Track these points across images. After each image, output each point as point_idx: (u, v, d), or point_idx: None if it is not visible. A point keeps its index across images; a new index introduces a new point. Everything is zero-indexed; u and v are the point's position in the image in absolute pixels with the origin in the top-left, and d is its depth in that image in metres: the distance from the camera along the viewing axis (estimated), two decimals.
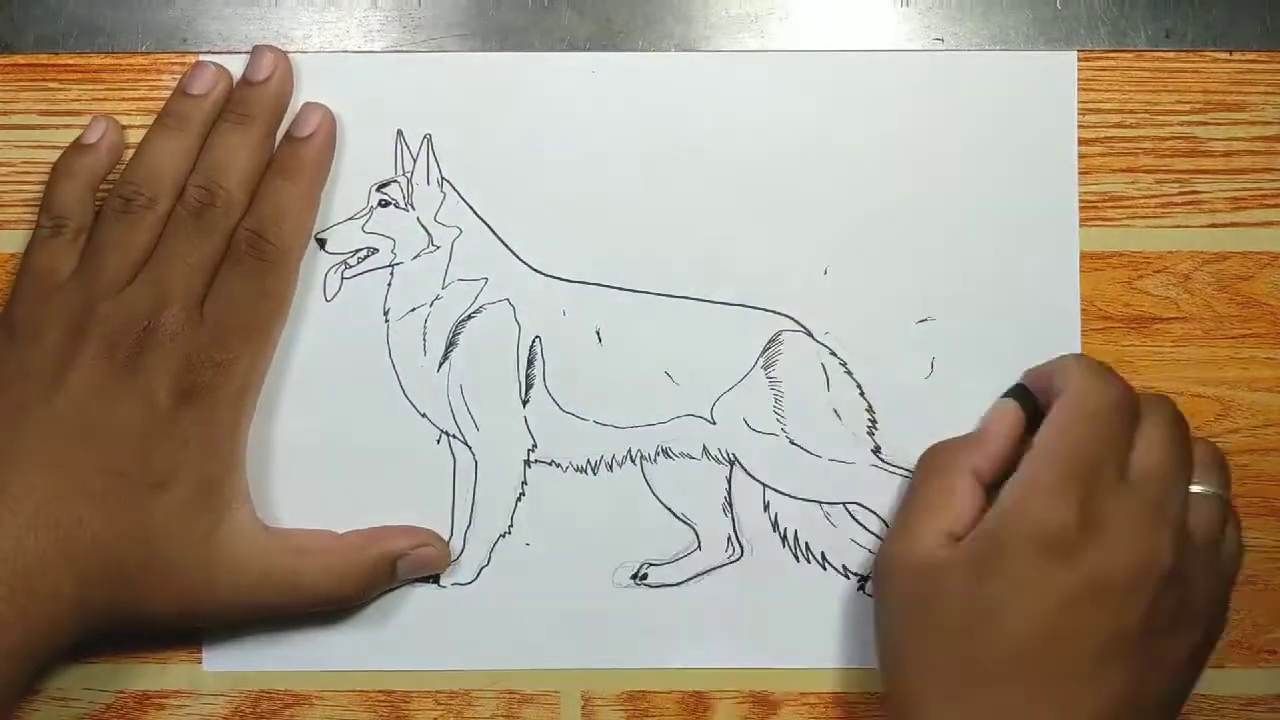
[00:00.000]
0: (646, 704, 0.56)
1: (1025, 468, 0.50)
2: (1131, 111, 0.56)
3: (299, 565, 0.53)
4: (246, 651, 0.55)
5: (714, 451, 0.56)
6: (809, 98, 0.56)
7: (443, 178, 0.56)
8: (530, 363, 0.56)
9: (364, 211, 0.56)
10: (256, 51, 0.55)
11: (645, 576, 0.56)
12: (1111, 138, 0.56)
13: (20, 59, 0.56)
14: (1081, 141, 0.56)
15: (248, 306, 0.53)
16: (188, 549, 0.52)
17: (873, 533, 0.55)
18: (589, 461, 0.56)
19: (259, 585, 0.53)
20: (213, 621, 0.55)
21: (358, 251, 0.56)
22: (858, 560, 0.55)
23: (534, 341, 0.56)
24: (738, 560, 0.56)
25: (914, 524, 0.51)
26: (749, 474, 0.55)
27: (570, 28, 0.56)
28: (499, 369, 0.56)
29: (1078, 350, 0.55)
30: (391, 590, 0.55)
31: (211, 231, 0.53)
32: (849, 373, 0.55)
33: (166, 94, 0.55)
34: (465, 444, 0.56)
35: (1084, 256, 0.56)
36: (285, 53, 0.55)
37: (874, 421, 0.55)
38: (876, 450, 0.55)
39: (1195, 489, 0.51)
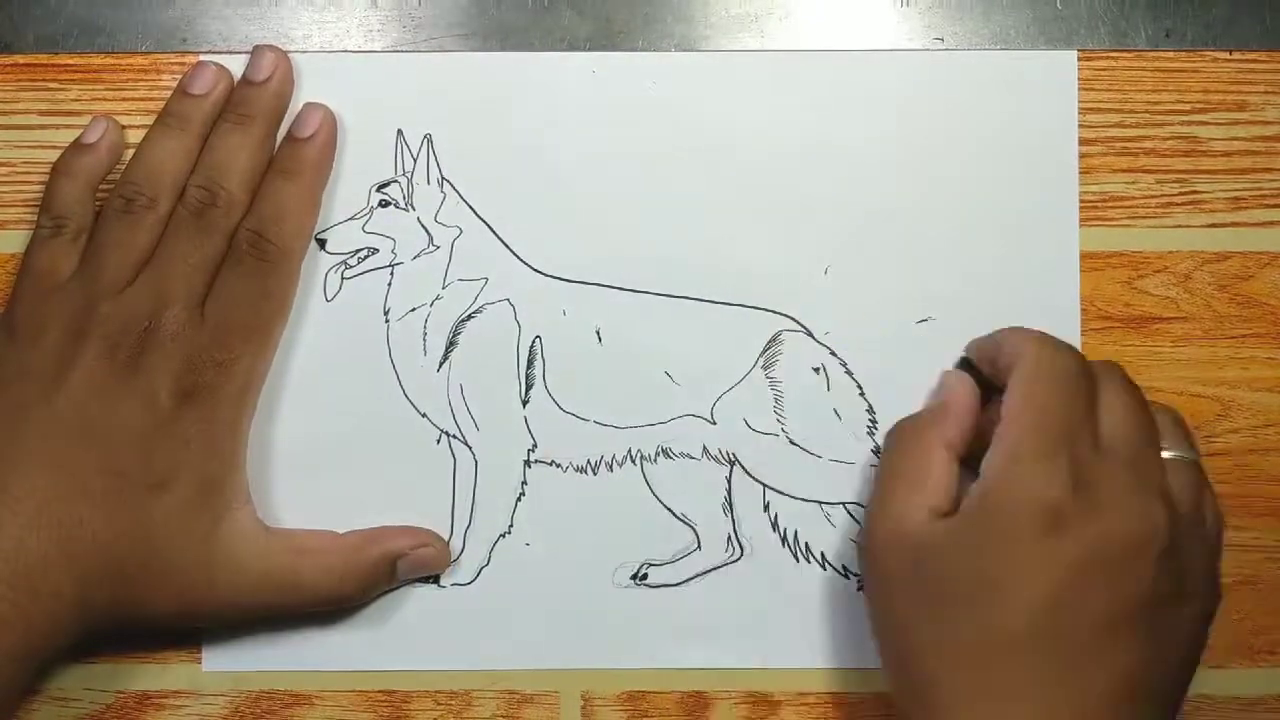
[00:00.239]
0: (646, 704, 0.56)
1: (1003, 439, 0.49)
2: (1131, 111, 0.56)
3: (299, 565, 0.53)
4: (246, 651, 0.55)
5: (714, 452, 0.56)
6: (809, 98, 0.56)
7: (443, 177, 0.56)
8: (530, 363, 0.56)
9: (364, 211, 0.56)
10: (257, 51, 0.55)
11: (645, 576, 0.56)
12: (1111, 138, 0.56)
13: (20, 59, 0.56)
14: (1081, 141, 0.56)
15: (249, 307, 0.53)
16: (188, 549, 0.52)
17: None
18: (589, 461, 0.56)
19: (259, 585, 0.53)
20: (213, 621, 0.55)
21: (358, 251, 0.56)
22: (858, 561, 0.55)
23: (534, 341, 0.56)
24: (738, 560, 0.56)
25: (896, 502, 0.50)
26: (749, 474, 0.55)
27: (570, 28, 0.56)
28: (499, 369, 0.56)
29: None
30: (391, 590, 0.55)
31: (212, 231, 0.53)
32: (849, 373, 0.55)
33: (166, 94, 0.55)
34: (465, 444, 0.56)
35: (1084, 256, 0.56)
36: (286, 53, 0.55)
37: (874, 421, 0.55)
38: (877, 450, 0.55)
39: (1167, 455, 0.50)
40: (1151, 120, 0.56)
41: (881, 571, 0.51)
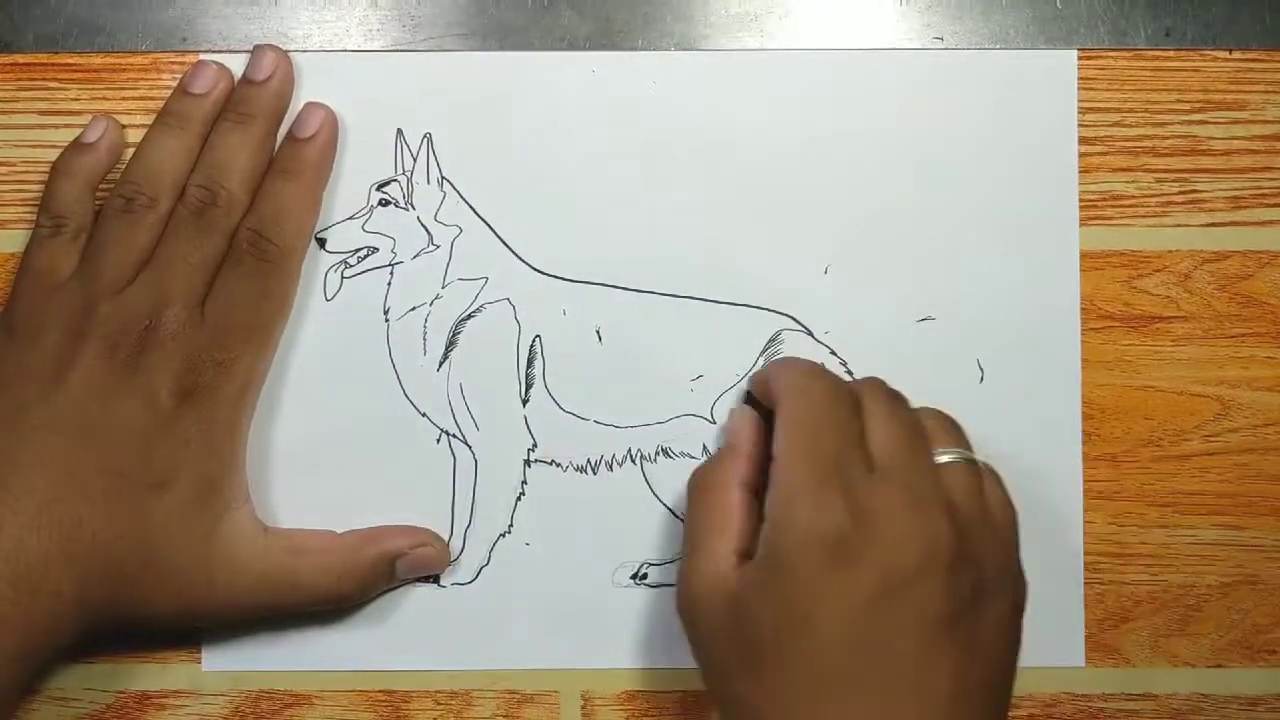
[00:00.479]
0: (646, 704, 0.56)
1: (777, 479, 0.48)
2: (1131, 111, 0.56)
3: (298, 565, 0.53)
4: (246, 651, 0.55)
5: (714, 451, 0.56)
6: (809, 97, 0.56)
7: (443, 177, 0.56)
8: (530, 362, 0.56)
9: (364, 211, 0.56)
10: (257, 51, 0.55)
11: (645, 576, 0.56)
12: (1111, 137, 0.56)
13: (20, 59, 0.56)
14: (1081, 141, 0.56)
15: (249, 306, 0.53)
16: (187, 549, 0.52)
17: None
18: (589, 461, 0.56)
19: (258, 585, 0.53)
20: (212, 621, 0.55)
21: (358, 251, 0.56)
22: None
23: (534, 341, 0.56)
24: None
25: (703, 552, 0.49)
26: None
27: (570, 27, 0.56)
28: (499, 368, 0.56)
29: (1077, 351, 0.55)
30: (391, 590, 0.55)
31: (213, 231, 0.53)
32: (849, 372, 0.55)
33: (166, 94, 0.55)
34: (465, 444, 0.56)
35: (1084, 256, 0.56)
36: (286, 52, 0.55)
37: None
38: None
39: (942, 459, 0.49)
40: (1151, 120, 0.56)
41: (698, 624, 0.49)
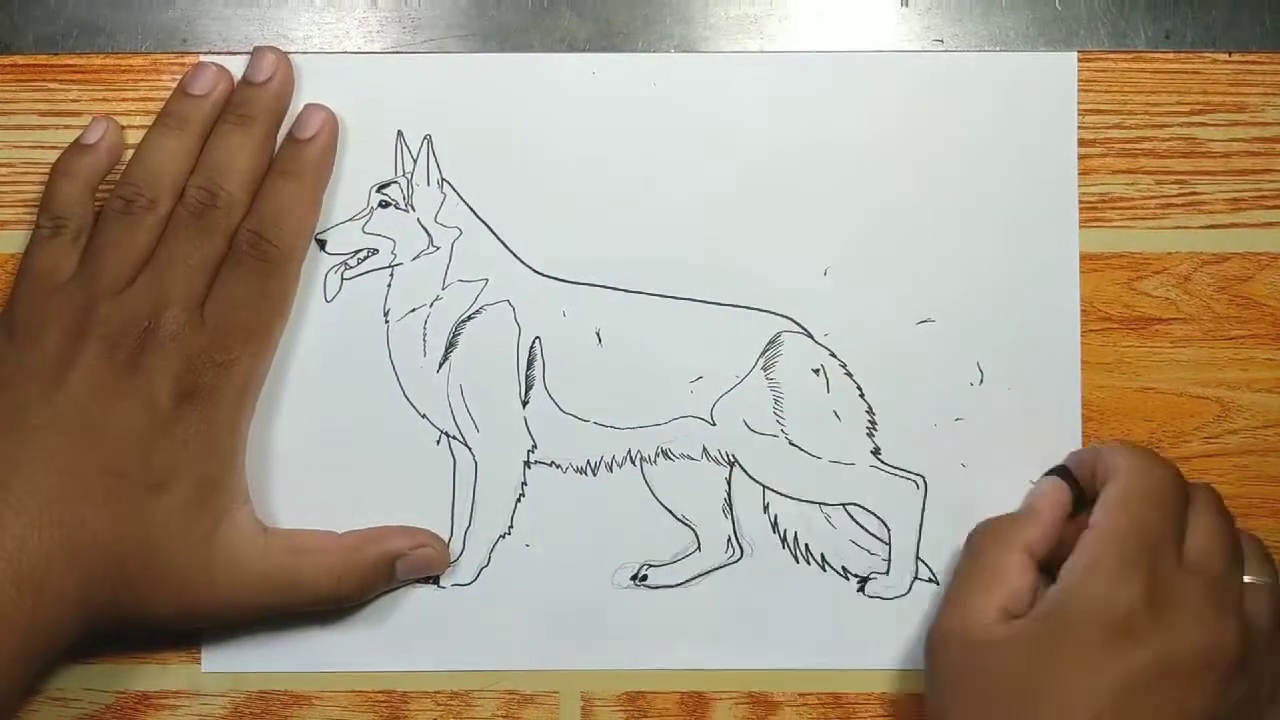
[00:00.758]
0: (646, 704, 0.56)
1: (1086, 547, 0.49)
2: (1131, 112, 0.56)
3: (298, 565, 0.53)
4: (246, 652, 0.56)
5: (714, 453, 0.56)
6: (809, 99, 0.56)
7: (443, 178, 0.56)
8: (530, 363, 0.56)
9: (364, 212, 0.56)
10: (257, 52, 0.55)
11: (645, 578, 0.56)
12: (1111, 138, 0.56)
13: (20, 59, 0.56)
14: (1081, 142, 0.56)
15: (249, 307, 0.53)
16: (188, 549, 0.52)
17: (872, 533, 0.55)
18: (589, 462, 0.56)
19: (258, 585, 0.53)
20: (212, 621, 0.55)
21: (358, 252, 0.56)
22: (857, 561, 0.55)
23: (534, 342, 0.56)
24: (738, 561, 0.56)
25: (968, 600, 0.50)
26: (749, 475, 0.55)
27: (570, 28, 0.56)
28: (499, 370, 0.56)
29: (1077, 353, 0.55)
30: (391, 591, 0.55)
31: (213, 232, 0.53)
32: (849, 374, 0.56)
33: (166, 94, 0.55)
34: (465, 445, 0.56)
35: (1084, 257, 0.56)
36: (286, 54, 0.55)
37: (874, 423, 0.55)
38: (876, 451, 0.55)
39: (1249, 580, 0.50)
40: (1151, 121, 0.56)
41: (939, 663, 0.51)
